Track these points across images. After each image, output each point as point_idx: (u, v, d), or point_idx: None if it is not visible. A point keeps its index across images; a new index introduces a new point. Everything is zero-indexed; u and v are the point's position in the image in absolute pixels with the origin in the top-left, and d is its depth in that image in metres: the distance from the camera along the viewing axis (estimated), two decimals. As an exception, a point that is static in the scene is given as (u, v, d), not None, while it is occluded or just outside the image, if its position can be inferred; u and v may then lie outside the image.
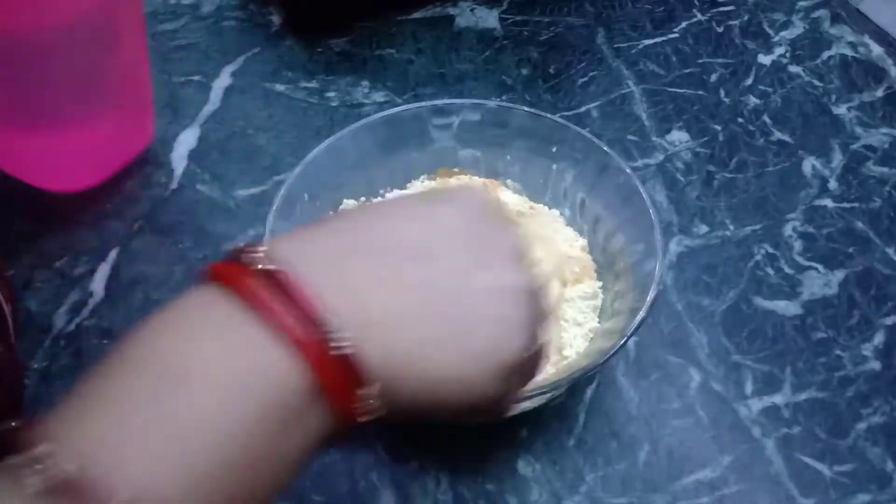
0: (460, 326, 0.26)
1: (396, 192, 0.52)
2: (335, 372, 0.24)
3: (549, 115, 0.51)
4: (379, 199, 0.51)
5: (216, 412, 0.23)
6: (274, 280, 0.24)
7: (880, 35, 0.70)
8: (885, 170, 0.61)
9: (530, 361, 0.28)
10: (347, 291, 0.25)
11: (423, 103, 0.51)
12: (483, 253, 0.27)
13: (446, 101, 0.52)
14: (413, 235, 0.27)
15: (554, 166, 0.51)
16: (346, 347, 0.24)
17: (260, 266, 0.25)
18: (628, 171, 0.47)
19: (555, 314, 0.30)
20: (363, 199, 0.51)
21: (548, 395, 0.44)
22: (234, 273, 0.25)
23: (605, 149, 0.48)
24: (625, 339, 0.40)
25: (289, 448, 0.24)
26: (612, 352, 0.40)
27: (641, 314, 0.41)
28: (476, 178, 0.53)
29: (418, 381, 0.26)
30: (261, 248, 0.25)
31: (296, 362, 0.24)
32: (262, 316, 0.24)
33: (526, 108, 0.51)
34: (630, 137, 0.62)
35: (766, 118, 0.64)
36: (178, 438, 0.22)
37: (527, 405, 0.44)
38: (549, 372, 0.44)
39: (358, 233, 0.27)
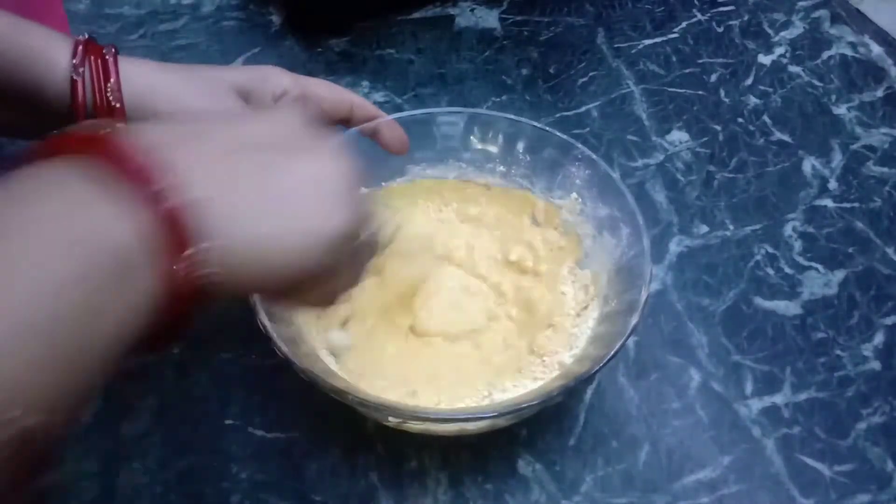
0: (285, 199, 0.29)
1: (398, 181, 0.52)
2: (167, 223, 0.25)
3: (556, 133, 0.50)
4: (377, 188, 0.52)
5: (38, 263, 0.23)
6: (113, 140, 0.25)
7: (880, 35, 0.70)
8: (885, 170, 0.61)
9: (358, 246, 0.32)
10: (183, 160, 0.26)
11: (431, 109, 0.52)
12: (306, 145, 0.31)
13: (454, 109, 0.52)
14: (246, 132, 0.30)
15: (559, 176, 0.51)
16: (180, 199, 0.25)
17: (101, 131, 0.26)
18: (627, 193, 0.46)
19: (375, 212, 0.34)
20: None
21: (542, 403, 0.43)
22: (69, 139, 0.26)
23: (609, 171, 0.48)
24: (610, 356, 0.40)
25: (117, 309, 0.24)
26: (593, 370, 0.40)
27: (626, 334, 0.40)
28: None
29: (246, 244, 0.27)
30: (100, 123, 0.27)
31: (129, 212, 0.24)
32: (94, 168, 0.24)
33: (535, 124, 0.51)
34: (630, 137, 0.62)
35: (766, 118, 0.64)
36: None
37: (524, 413, 0.43)
38: (546, 378, 0.44)
39: (196, 126, 0.30)
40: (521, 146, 0.51)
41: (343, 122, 0.47)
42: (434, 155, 0.52)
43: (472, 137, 0.52)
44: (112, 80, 0.38)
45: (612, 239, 0.47)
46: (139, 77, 0.39)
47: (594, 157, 0.48)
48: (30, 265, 0.23)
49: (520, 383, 0.44)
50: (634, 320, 0.41)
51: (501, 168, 0.52)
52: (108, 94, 0.37)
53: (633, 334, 0.41)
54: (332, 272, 0.31)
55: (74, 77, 0.37)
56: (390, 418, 0.43)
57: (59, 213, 0.24)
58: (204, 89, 0.40)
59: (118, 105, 0.38)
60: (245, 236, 0.27)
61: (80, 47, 0.38)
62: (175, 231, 0.25)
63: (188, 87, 0.40)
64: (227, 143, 0.29)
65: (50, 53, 0.37)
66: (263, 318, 0.40)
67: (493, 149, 0.52)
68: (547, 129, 0.50)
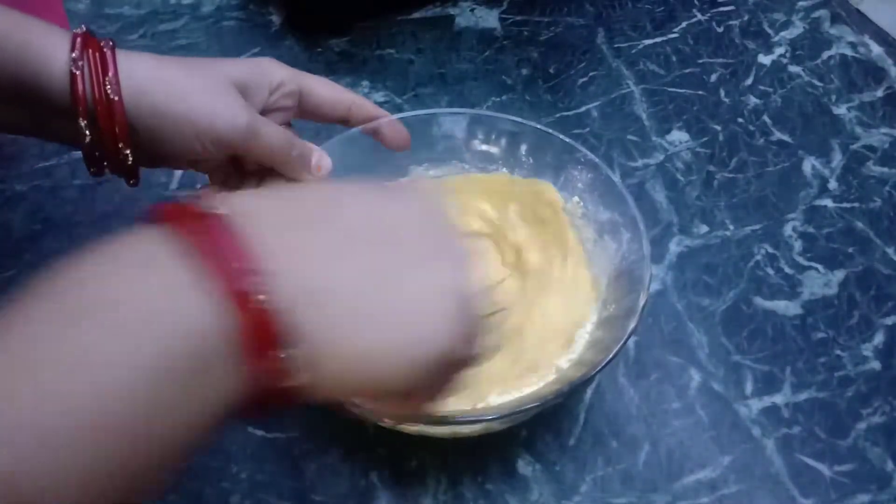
0: (396, 310, 0.26)
1: (401, 181, 0.52)
2: (255, 324, 0.23)
3: (559, 135, 0.50)
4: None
5: (118, 349, 0.22)
6: (214, 222, 0.24)
7: (880, 35, 0.70)
8: (885, 170, 0.61)
9: (457, 366, 0.29)
10: (290, 251, 0.25)
11: (434, 110, 0.52)
12: (431, 250, 0.28)
13: (457, 109, 0.52)
14: (367, 220, 0.28)
15: (562, 179, 0.51)
16: (273, 301, 0.23)
17: (204, 208, 0.24)
18: (629, 198, 0.46)
19: (488, 332, 0.30)
20: None
21: (536, 408, 0.43)
22: (174, 212, 0.24)
23: (611, 175, 0.48)
24: (606, 362, 0.40)
25: (194, 403, 0.23)
26: (588, 376, 0.40)
27: (623, 340, 0.40)
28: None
29: (343, 354, 0.25)
30: (211, 196, 0.25)
31: (216, 306, 0.23)
32: (190, 252, 0.23)
33: (538, 126, 0.51)
34: (630, 137, 0.62)
35: (766, 118, 0.64)
36: (71, 375, 0.21)
37: (518, 417, 0.43)
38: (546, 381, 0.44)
39: (314, 205, 0.28)
40: (523, 148, 0.51)
41: (342, 120, 0.47)
42: (436, 155, 0.52)
43: (474, 138, 0.52)
44: (110, 73, 0.38)
45: (612, 243, 0.47)
46: (138, 71, 0.39)
47: (597, 160, 0.48)
48: (104, 351, 0.22)
49: (516, 387, 0.44)
50: (632, 326, 0.41)
51: (504, 169, 0.52)
52: (107, 88, 0.37)
53: (633, 335, 0.41)
54: (421, 392, 0.29)
55: (74, 71, 0.37)
56: (385, 419, 0.43)
57: (143, 295, 0.23)
58: (203, 83, 0.40)
59: (116, 98, 0.37)
60: (339, 349, 0.25)
61: (79, 41, 0.38)
62: (263, 333, 0.23)
63: (187, 81, 0.40)
64: (339, 231, 0.26)
65: (48, 48, 0.37)
66: None
67: (496, 150, 0.52)
68: (550, 131, 0.50)
